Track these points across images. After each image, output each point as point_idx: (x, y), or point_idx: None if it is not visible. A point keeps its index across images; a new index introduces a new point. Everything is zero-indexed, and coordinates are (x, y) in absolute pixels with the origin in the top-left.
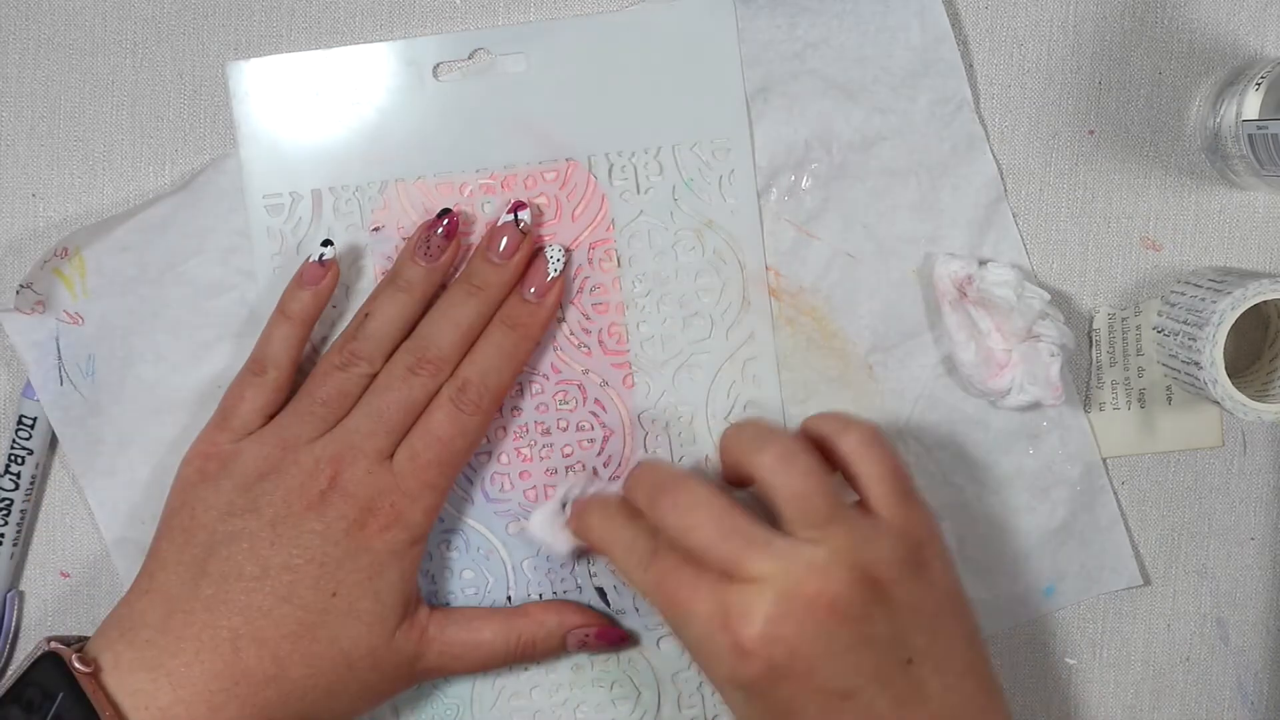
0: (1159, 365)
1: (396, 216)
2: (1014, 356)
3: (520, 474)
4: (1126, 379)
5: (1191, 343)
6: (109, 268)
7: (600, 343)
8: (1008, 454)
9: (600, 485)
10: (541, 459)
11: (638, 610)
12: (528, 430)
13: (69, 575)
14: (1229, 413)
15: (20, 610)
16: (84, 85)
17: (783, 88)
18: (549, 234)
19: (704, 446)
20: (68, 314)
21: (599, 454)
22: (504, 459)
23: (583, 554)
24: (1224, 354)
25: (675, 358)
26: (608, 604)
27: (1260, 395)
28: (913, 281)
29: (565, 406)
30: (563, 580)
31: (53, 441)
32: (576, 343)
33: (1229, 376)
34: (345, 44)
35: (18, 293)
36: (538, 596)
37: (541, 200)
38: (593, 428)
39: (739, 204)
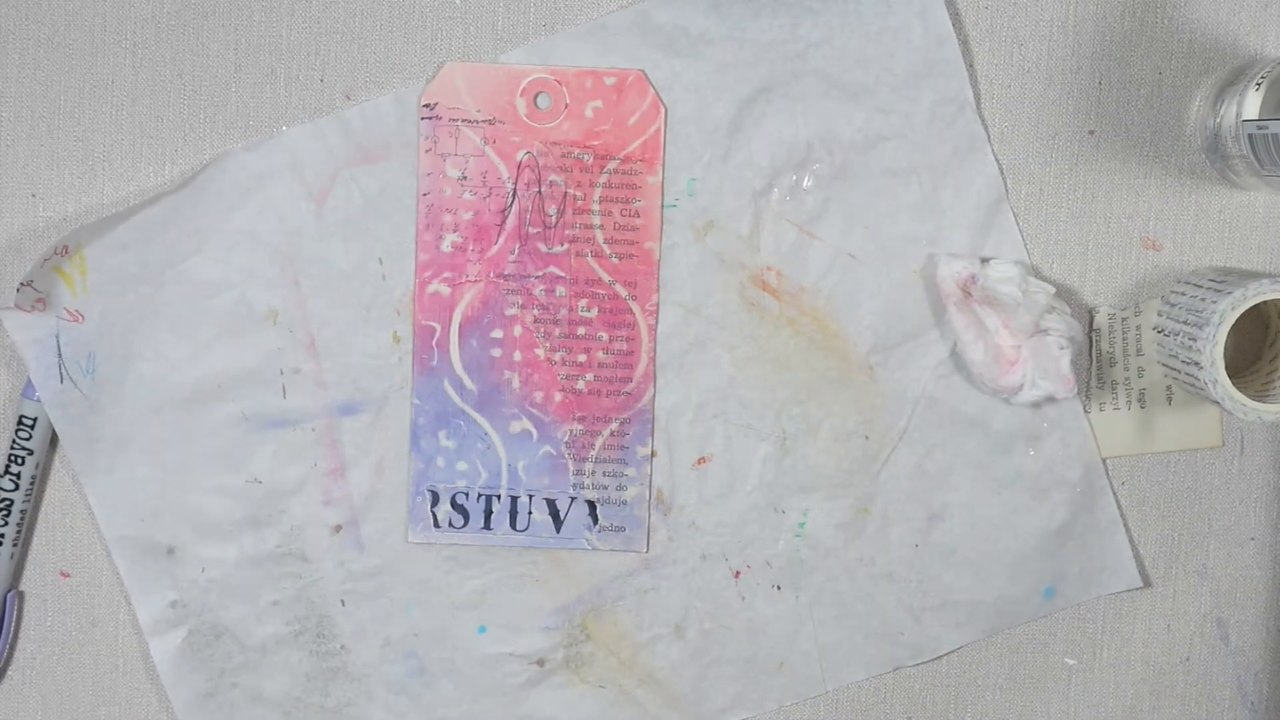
0: (1159, 365)
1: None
2: (1023, 352)
3: (533, 374)
4: (1126, 379)
5: (1191, 343)
6: (109, 266)
7: (633, 255)
8: (1008, 455)
9: None
10: (553, 362)
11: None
12: (546, 330)
13: (69, 575)
14: (1229, 413)
15: (20, 610)
16: (84, 85)
17: (785, 88)
18: (599, 145)
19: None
20: (68, 312)
21: (615, 366)
22: (517, 356)
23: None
24: (1224, 354)
25: None
26: (595, 520)
27: (1260, 395)
28: (914, 282)
29: (588, 314)
30: (551, 485)
31: (53, 441)
32: (609, 251)
33: (1229, 376)
34: (344, 44)
35: (18, 290)
36: (527, 499)
37: (598, 104)
38: (611, 340)
39: None
